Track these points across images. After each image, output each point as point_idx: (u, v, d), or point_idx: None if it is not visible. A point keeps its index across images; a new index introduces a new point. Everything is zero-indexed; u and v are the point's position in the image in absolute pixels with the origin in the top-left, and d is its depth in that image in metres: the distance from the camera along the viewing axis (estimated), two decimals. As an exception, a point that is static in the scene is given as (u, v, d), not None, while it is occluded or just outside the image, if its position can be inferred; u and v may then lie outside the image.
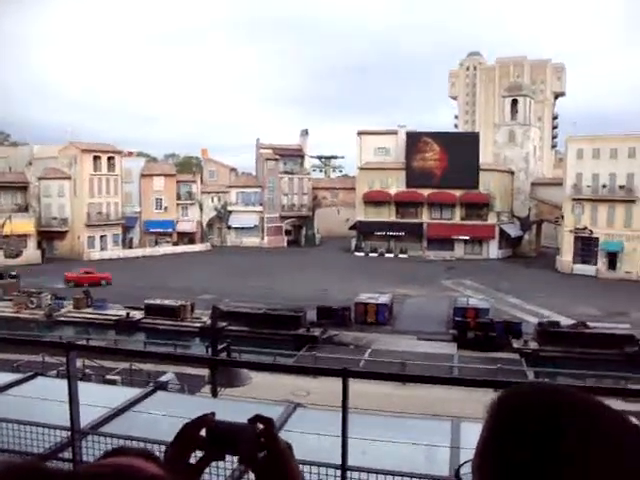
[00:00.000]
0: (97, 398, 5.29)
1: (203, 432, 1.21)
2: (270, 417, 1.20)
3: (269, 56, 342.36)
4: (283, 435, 3.91)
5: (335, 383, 3.67)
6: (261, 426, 1.20)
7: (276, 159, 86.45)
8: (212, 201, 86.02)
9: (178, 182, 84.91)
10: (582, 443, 0.86)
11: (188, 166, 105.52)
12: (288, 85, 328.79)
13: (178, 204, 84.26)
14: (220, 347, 10.86)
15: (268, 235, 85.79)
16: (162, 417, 5.10)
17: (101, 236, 76.35)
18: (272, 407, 6.29)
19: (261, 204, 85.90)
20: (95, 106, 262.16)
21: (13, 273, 52.40)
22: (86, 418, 4.70)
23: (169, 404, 6.23)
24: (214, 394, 9.31)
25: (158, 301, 42.56)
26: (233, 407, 6.53)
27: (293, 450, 1.23)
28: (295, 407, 5.83)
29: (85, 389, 4.90)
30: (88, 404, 4.60)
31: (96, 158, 76.26)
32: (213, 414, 1.22)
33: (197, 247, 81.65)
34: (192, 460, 1.21)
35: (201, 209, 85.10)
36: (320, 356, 31.78)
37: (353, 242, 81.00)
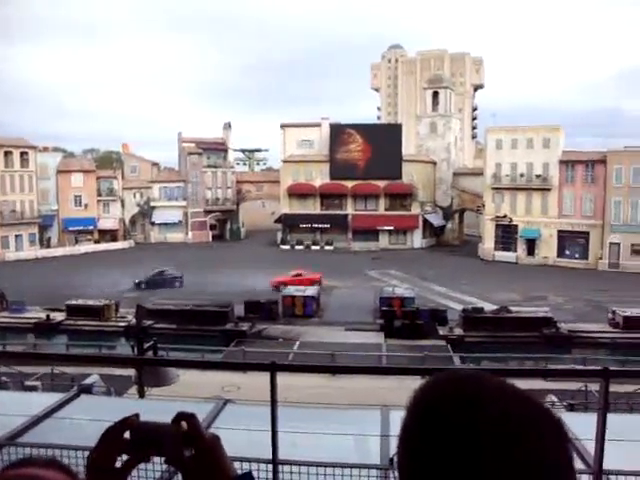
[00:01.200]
0: (15, 406, 5.06)
1: (127, 434, 1.16)
2: (193, 413, 1.17)
3: (193, 49, 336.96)
4: (213, 432, 3.85)
5: (266, 377, 3.64)
6: (185, 424, 1.16)
7: (199, 153, 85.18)
8: (134, 197, 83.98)
9: (98, 178, 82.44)
10: (495, 438, 0.87)
11: (108, 161, 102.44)
12: (212, 79, 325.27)
13: (99, 201, 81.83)
14: (146, 346, 10.63)
15: (193, 230, 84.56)
16: (86, 422, 4.92)
17: (16, 235, 73.26)
18: (201, 404, 6.19)
19: (185, 199, 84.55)
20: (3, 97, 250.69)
21: None
22: (2, 429, 4.49)
23: (94, 408, 6.03)
24: (141, 395, 9.09)
25: (80, 301, 41.22)
26: (161, 407, 6.40)
27: (221, 440, 1.19)
28: (225, 403, 5.75)
29: (1, 398, 4.68)
30: (4, 414, 4.39)
31: (7, 153, 73.08)
32: (137, 415, 1.17)
33: (120, 244, 79.66)
34: (118, 464, 1.16)
35: (123, 205, 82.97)
36: (249, 351, 31.58)
37: (279, 235, 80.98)
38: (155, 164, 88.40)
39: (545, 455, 0.88)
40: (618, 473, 3.57)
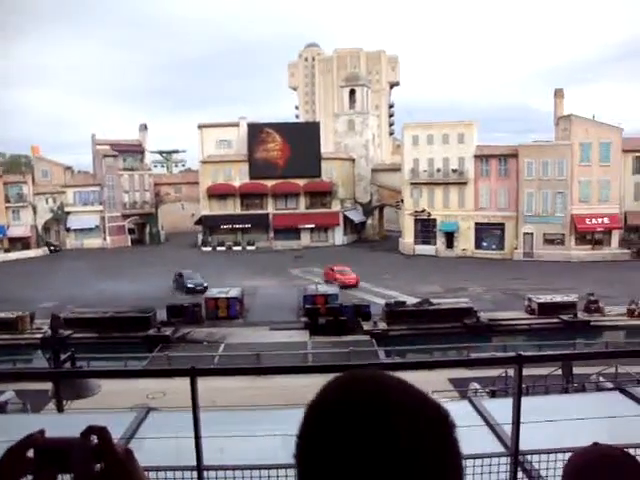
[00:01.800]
0: None
1: (31, 453, 1.09)
2: (104, 426, 1.11)
3: (106, 50, 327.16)
4: (137, 442, 3.72)
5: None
6: (95, 438, 1.11)
7: (115, 155, 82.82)
8: (47, 202, 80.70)
9: (5, 183, 78.68)
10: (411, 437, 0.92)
11: (16, 166, 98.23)
12: (127, 80, 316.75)
13: (7, 207, 78.13)
14: (63, 357, 10.23)
15: (110, 235, 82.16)
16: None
17: None
18: (122, 414, 6.02)
19: (101, 203, 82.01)
20: None
21: None
22: None
23: (7, 426, 5.75)
24: (59, 409, 8.76)
25: (-10, 315, 39.33)
26: (80, 420, 6.17)
27: (133, 454, 1.14)
28: (148, 411, 5.61)
29: None
30: None
31: None
32: (42, 432, 1.10)
33: (32, 252, 76.34)
34: None
35: (35, 211, 79.58)
36: (173, 355, 31.10)
37: (199, 237, 79.93)
38: (68, 168, 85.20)
39: (430, 446, 0.92)
40: (533, 453, 3.71)
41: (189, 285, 49.58)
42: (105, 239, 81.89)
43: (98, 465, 1.09)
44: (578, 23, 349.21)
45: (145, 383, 20.69)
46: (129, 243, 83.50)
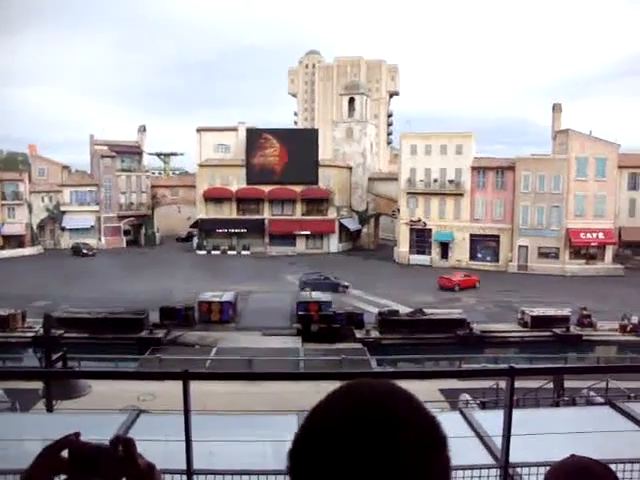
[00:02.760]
0: None
1: (65, 453, 1.11)
2: (131, 438, 1.13)
3: (106, 50, 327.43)
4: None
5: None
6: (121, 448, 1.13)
7: (112, 156, 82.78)
8: (43, 201, 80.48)
9: (1, 181, 78.33)
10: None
11: (13, 163, 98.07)
12: (127, 81, 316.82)
13: (3, 205, 77.89)
14: (54, 357, 10.20)
15: (106, 236, 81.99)
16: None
17: None
18: (112, 416, 5.99)
19: (97, 203, 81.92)
20: None
21: None
22: None
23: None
24: (49, 409, 8.72)
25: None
26: (70, 421, 6.15)
27: (155, 468, 1.17)
28: (138, 414, 5.59)
29: None
30: None
31: None
32: (77, 434, 1.13)
33: (27, 251, 76.09)
34: None
35: (30, 210, 79.31)
36: (165, 358, 30.98)
37: (195, 240, 79.81)
38: (65, 167, 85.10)
39: (431, 465, 0.94)
40: (523, 465, 3.73)
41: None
42: (100, 239, 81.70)
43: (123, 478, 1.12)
44: (578, 39, 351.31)
45: (136, 385, 20.67)
46: (124, 244, 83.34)
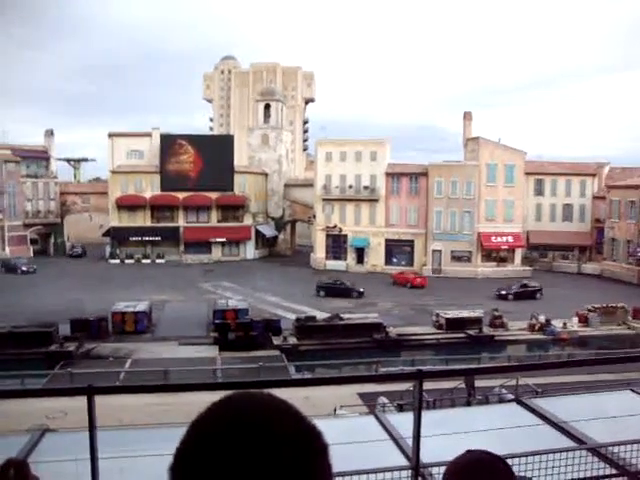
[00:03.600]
0: None
1: None
2: (24, 460, 1.06)
3: (6, 47, 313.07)
4: (32, 466, 3.50)
5: (98, 398, 3.43)
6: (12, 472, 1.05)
7: (17, 161, 79.20)
8: (-60, 210, 76.06)
9: None
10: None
11: None
12: (32, 82, 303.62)
13: None
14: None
15: (10, 245, 78.08)
16: None
17: None
18: (15, 437, 5.70)
19: (0, 211, 78.12)
20: None
21: None
22: None
23: None
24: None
25: None
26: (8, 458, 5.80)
27: None
28: (43, 432, 5.34)
29: None
30: None
31: None
32: None
33: None
34: None
35: None
36: (76, 372, 29.84)
37: (107, 249, 77.50)
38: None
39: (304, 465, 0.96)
40: (434, 465, 3.78)
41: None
42: (4, 249, 77.85)
43: None
44: (489, 50, 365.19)
45: (45, 402, 19.79)
46: (31, 254, 79.62)
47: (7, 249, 77.47)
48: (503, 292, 52.99)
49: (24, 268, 65.61)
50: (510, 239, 66.32)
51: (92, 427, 3.43)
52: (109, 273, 64.44)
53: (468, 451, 1.65)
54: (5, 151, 78.41)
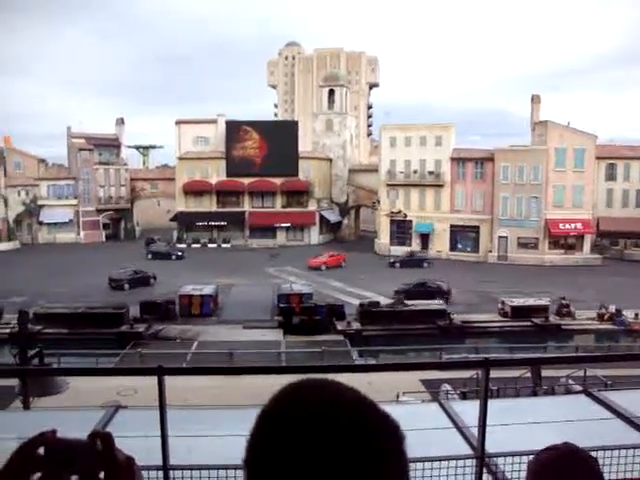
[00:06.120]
0: None
1: (42, 450, 1.09)
2: (109, 432, 1.12)
3: (84, 41, 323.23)
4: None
5: (166, 379, 3.56)
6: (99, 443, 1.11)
7: (90, 149, 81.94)
8: (19, 195, 79.40)
9: (-23, 175, 77.26)
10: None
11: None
12: (105, 73, 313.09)
13: (-22, 199, 76.81)
14: (31, 353, 10.08)
15: (84, 230, 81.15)
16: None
17: None
18: (90, 413, 5.94)
19: (75, 197, 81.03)
20: None
21: None
22: None
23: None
24: (26, 406, 8.62)
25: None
26: (47, 418, 6.08)
27: (134, 462, 1.15)
28: (116, 409, 5.55)
29: None
30: None
31: None
32: (54, 431, 1.11)
33: (3, 246, 74.84)
34: None
35: (6, 204, 78.23)
36: (145, 353, 30.83)
37: (174, 234, 79.35)
38: (42, 160, 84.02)
39: (381, 463, 0.93)
40: (499, 455, 3.75)
41: None
42: (79, 234, 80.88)
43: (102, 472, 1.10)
44: (559, 30, 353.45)
45: (116, 380, 20.52)
46: (103, 238, 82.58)
47: (82, 233, 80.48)
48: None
49: (179, 253, 68.26)
50: (579, 226, 64.25)
51: (162, 406, 3.56)
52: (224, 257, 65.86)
53: (565, 444, 1.59)
54: (80, 140, 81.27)
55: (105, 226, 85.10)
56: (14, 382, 10.76)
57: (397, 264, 60.67)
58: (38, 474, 1.09)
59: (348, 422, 0.94)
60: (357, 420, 0.95)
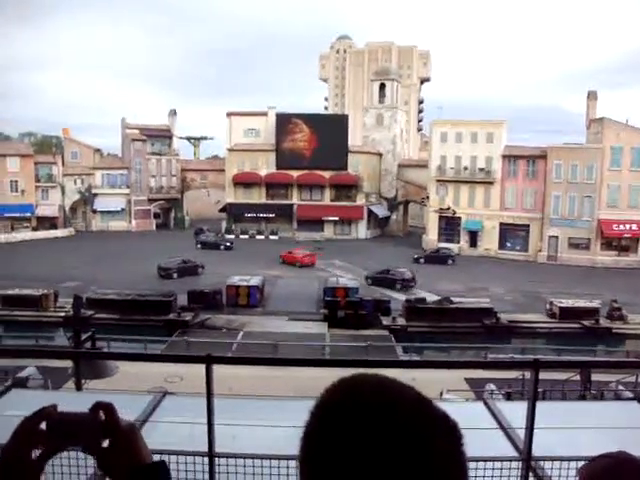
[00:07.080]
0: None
1: (44, 426, 1.14)
2: (110, 402, 1.15)
3: (138, 35, 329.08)
4: (151, 425, 3.75)
5: (214, 367, 3.62)
6: (102, 414, 1.15)
7: (143, 140, 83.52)
8: (75, 184, 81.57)
9: (36, 163, 79.44)
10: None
11: (48, 146, 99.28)
12: (158, 65, 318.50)
13: (37, 187, 79.09)
14: (84, 337, 10.40)
15: (136, 218, 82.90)
16: (17, 418, 4.75)
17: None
18: (139, 397, 6.08)
19: (128, 186, 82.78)
20: None
21: None
22: None
23: (27, 402, 5.82)
24: (78, 387, 8.89)
25: (16, 291, 39.88)
26: (97, 400, 6.25)
27: (137, 430, 1.18)
28: (164, 395, 5.66)
29: None
30: None
31: None
32: (54, 406, 1.15)
33: (59, 232, 77.19)
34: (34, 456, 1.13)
35: (63, 192, 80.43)
36: (192, 341, 31.30)
37: (223, 224, 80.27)
38: (97, 150, 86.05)
39: (438, 459, 0.92)
40: (546, 459, 3.69)
41: None
42: (130, 222, 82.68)
43: (106, 440, 1.14)
44: (615, 25, 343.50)
45: (163, 366, 20.89)
46: (154, 227, 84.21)
47: (133, 222, 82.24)
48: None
49: (227, 244, 69.29)
50: (634, 227, 62.38)
51: (209, 393, 3.62)
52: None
53: (620, 452, 1.52)
54: (134, 130, 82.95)
55: (156, 215, 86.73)
56: (68, 364, 11.10)
57: (422, 260, 60.57)
58: (41, 448, 1.14)
59: (409, 420, 0.93)
60: (417, 418, 0.95)
